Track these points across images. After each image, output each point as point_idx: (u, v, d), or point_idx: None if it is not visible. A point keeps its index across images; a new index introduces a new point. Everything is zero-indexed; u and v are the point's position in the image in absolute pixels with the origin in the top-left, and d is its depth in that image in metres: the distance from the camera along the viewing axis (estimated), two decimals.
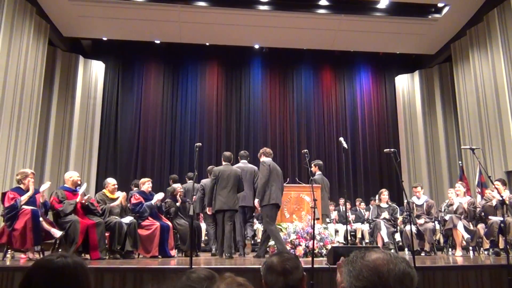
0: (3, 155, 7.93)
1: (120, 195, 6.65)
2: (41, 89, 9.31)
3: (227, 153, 6.85)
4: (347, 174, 11.71)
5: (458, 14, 10.03)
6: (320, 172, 7.54)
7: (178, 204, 7.27)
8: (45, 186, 5.88)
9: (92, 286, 1.33)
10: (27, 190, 5.62)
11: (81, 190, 5.99)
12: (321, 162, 7.76)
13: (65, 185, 6.21)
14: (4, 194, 5.60)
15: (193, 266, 3.90)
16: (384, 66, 13.17)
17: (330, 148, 12.47)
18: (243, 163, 7.02)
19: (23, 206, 5.37)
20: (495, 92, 8.96)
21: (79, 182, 6.24)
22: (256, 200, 6.20)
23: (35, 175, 6.05)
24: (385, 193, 8.07)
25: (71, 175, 6.26)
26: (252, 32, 10.90)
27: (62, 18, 9.99)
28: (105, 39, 11.41)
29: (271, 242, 6.37)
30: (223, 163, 6.66)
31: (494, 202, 6.79)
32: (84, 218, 5.77)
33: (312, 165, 7.64)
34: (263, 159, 6.40)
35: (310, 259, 3.95)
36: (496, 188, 6.09)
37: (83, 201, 5.89)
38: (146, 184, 7.06)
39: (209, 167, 7.88)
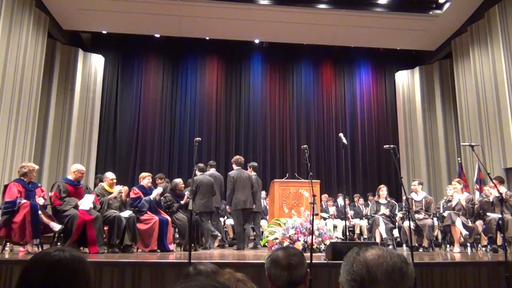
0: (2, 148, 7.91)
1: (119, 189, 6.63)
2: (40, 82, 9.28)
3: (201, 165, 8.23)
4: (346, 169, 11.71)
5: (459, 10, 10.01)
6: (255, 173, 8.11)
7: (182, 202, 7.25)
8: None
9: (92, 280, 1.33)
10: (29, 183, 5.63)
11: (86, 200, 5.90)
12: (256, 164, 8.44)
13: (68, 176, 6.18)
14: (6, 186, 5.59)
15: (192, 261, 3.91)
16: (384, 62, 13.14)
17: (330, 144, 12.47)
18: (212, 171, 8.16)
19: (23, 200, 5.38)
20: (495, 89, 8.96)
21: (81, 178, 6.21)
22: (227, 206, 7.81)
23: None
24: (383, 189, 8.06)
25: (76, 169, 6.17)
26: (253, 26, 10.86)
27: (62, 11, 9.95)
28: (104, 32, 11.37)
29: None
30: (198, 173, 7.77)
31: (491, 198, 6.81)
32: (83, 212, 5.76)
33: (248, 166, 8.23)
34: (235, 168, 7.65)
35: (308, 254, 3.96)
36: (495, 185, 6.10)
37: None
38: (146, 179, 7.05)
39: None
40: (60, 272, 1.24)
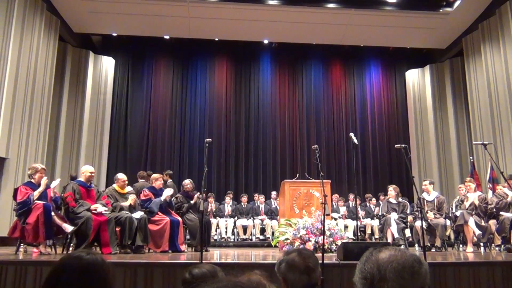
0: (15, 150, 8.02)
1: (130, 197, 6.59)
2: (52, 85, 9.40)
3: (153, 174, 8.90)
4: (357, 169, 11.66)
5: (469, 8, 9.91)
6: (171, 180, 8.83)
7: (192, 202, 7.25)
8: (55, 183, 5.95)
9: (114, 283, 1.35)
10: (38, 185, 5.66)
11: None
12: (171, 172, 9.37)
13: (80, 178, 6.24)
14: (16, 189, 5.66)
15: (203, 261, 3.92)
16: (394, 60, 13.07)
17: (340, 144, 12.42)
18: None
19: (35, 201, 5.43)
20: (507, 86, 8.85)
21: (91, 179, 6.27)
22: None
23: (46, 170, 6.09)
24: (390, 189, 7.97)
25: (85, 170, 6.23)
26: (261, 27, 10.86)
27: (73, 14, 10.05)
28: (115, 34, 11.48)
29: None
30: (140, 180, 8.54)
31: (509, 199, 6.71)
32: (96, 214, 5.81)
33: (164, 174, 8.83)
34: (140, 181, 8.35)
35: (320, 254, 3.94)
36: (509, 185, 6.02)
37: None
38: (158, 181, 7.08)
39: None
40: (93, 274, 1.28)
